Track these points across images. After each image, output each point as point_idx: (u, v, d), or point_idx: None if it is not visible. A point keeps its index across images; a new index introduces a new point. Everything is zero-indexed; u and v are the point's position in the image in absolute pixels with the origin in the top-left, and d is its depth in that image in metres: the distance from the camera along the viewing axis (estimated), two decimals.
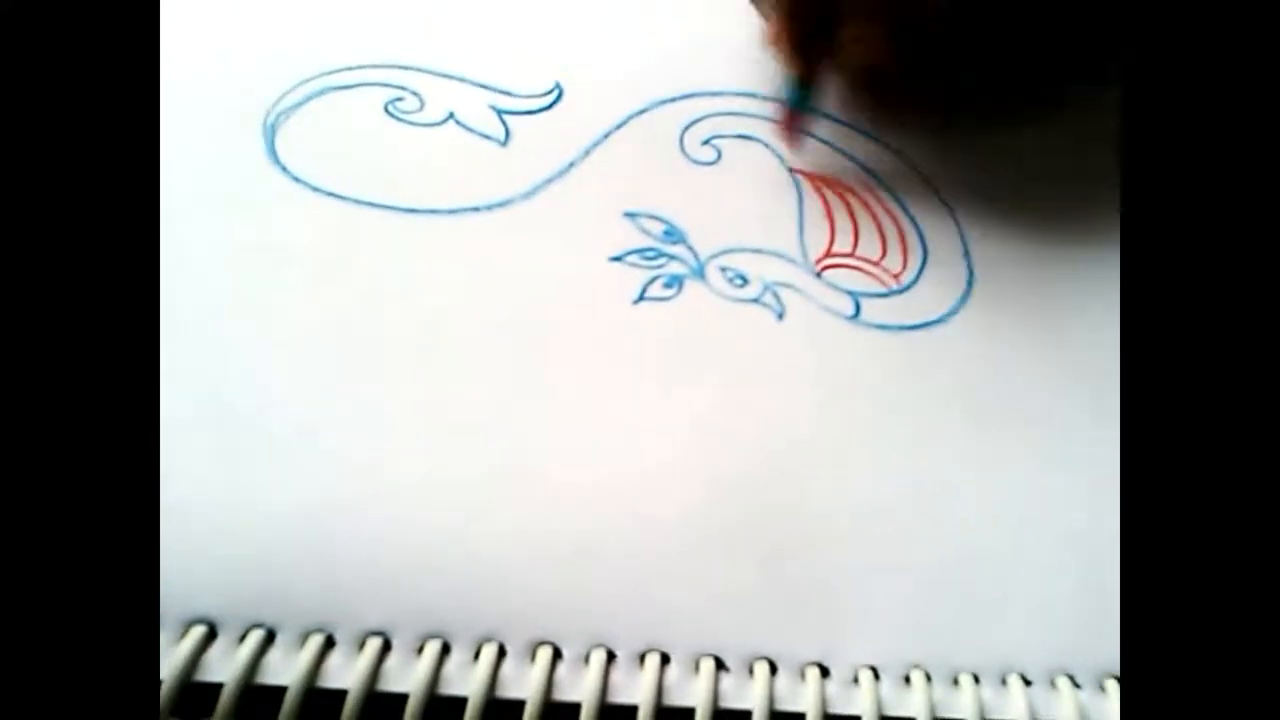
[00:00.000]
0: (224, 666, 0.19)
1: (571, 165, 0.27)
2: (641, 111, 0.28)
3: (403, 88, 0.27)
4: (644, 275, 0.25)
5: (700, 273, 0.25)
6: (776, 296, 0.25)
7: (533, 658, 0.19)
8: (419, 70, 0.28)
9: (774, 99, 0.27)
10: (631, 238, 0.25)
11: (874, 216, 0.27)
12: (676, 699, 0.19)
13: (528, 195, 0.26)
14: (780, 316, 0.25)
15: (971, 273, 0.26)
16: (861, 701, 0.19)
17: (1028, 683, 0.20)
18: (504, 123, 0.27)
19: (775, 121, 0.27)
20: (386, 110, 0.27)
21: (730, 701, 0.19)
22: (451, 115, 0.27)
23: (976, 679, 0.20)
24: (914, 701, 0.20)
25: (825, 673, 0.20)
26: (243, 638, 0.19)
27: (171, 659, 0.18)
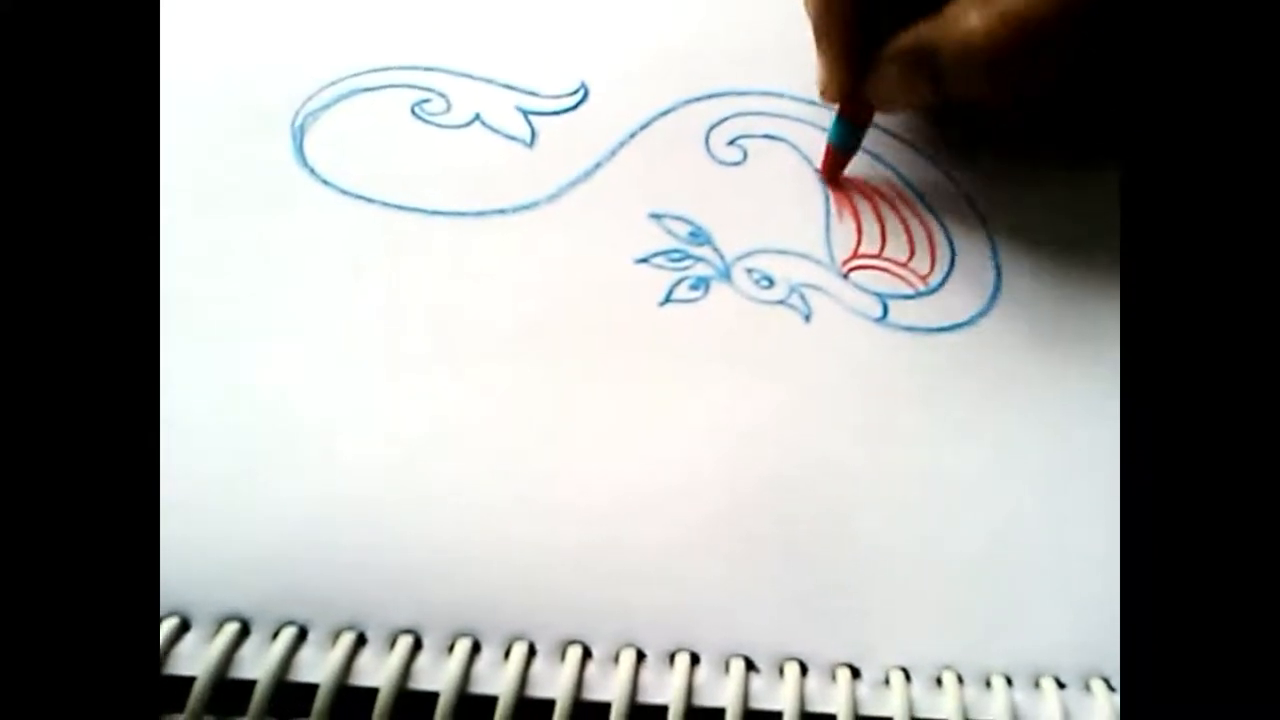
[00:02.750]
0: (257, 663, 0.19)
1: (597, 166, 0.27)
2: (667, 111, 0.28)
3: (429, 89, 0.27)
4: (670, 277, 0.25)
5: (726, 274, 0.25)
6: (803, 298, 0.25)
7: (563, 657, 0.19)
8: (445, 72, 0.28)
9: (824, 134, 0.27)
10: (657, 239, 0.25)
11: (901, 218, 0.26)
12: (706, 699, 0.19)
13: (553, 197, 0.26)
14: (807, 318, 0.24)
15: (999, 275, 0.25)
16: (893, 703, 0.19)
17: (1061, 685, 0.20)
18: (530, 124, 0.27)
19: (822, 162, 0.27)
20: (413, 112, 0.27)
21: (760, 702, 0.19)
22: (478, 116, 0.27)
23: (1009, 681, 0.20)
24: (945, 703, 0.19)
25: (856, 674, 0.20)
26: (275, 635, 0.19)
27: (205, 656, 0.19)
